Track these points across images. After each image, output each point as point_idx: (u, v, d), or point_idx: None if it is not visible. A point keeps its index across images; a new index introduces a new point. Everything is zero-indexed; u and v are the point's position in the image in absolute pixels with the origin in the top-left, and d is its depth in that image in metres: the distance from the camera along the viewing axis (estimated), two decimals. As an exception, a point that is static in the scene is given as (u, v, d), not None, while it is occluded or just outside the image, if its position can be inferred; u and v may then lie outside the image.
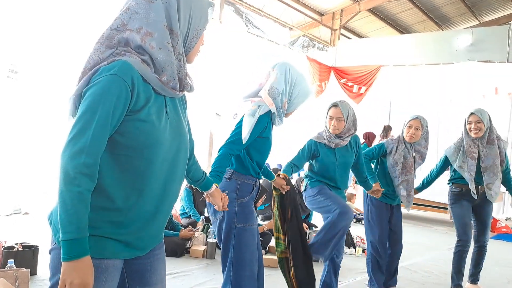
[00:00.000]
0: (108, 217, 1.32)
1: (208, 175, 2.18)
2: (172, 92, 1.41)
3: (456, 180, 4.03)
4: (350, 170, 3.52)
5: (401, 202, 3.92)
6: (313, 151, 3.34)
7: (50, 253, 1.39)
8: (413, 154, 3.81)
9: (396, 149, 3.77)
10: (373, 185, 3.65)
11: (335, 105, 3.27)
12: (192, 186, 5.71)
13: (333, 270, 3.33)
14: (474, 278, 4.12)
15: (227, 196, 2.05)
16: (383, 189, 3.71)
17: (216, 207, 2.03)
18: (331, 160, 3.31)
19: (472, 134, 3.86)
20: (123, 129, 1.31)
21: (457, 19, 14.06)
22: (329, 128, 3.28)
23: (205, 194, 2.00)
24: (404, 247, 4.02)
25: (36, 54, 6.57)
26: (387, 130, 8.84)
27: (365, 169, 3.57)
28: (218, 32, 9.12)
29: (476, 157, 3.87)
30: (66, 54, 6.68)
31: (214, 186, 1.95)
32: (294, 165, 3.28)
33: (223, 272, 2.47)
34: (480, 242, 4.03)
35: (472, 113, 3.85)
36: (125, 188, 1.34)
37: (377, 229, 3.80)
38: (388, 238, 3.87)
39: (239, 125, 2.44)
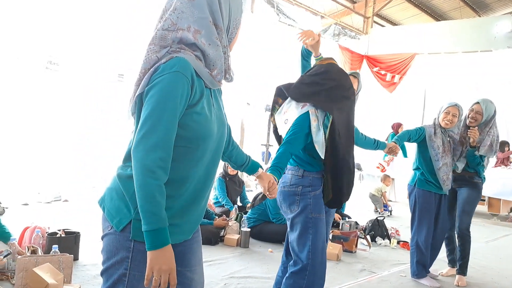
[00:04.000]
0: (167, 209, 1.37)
1: (269, 169, 2.35)
2: (218, 84, 1.47)
3: None
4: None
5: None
6: None
7: (103, 239, 1.44)
8: (448, 139, 3.83)
9: (435, 133, 3.80)
10: (388, 143, 3.60)
11: (354, 75, 3.06)
12: (225, 176, 5.77)
13: None
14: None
15: (276, 185, 2.08)
16: (399, 148, 3.68)
17: (264, 190, 2.07)
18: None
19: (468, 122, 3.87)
20: (183, 122, 1.36)
21: (496, 5, 13.55)
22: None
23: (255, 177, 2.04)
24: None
25: (74, 45, 6.73)
26: None
27: (367, 136, 3.47)
28: (250, 22, 9.11)
29: None
30: (104, 46, 6.82)
31: (260, 170, 1.98)
32: None
33: (293, 259, 2.55)
34: None
35: None
36: (178, 176, 1.39)
37: (424, 224, 3.82)
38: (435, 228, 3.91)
39: (295, 125, 2.50)
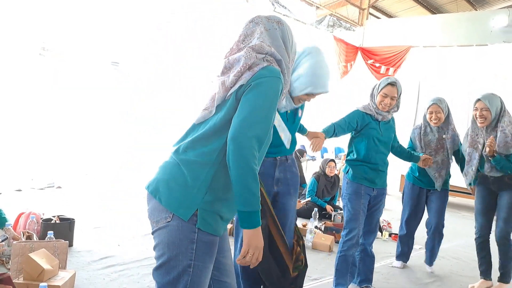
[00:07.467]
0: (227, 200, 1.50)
1: None
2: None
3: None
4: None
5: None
6: (358, 122, 3.21)
7: (156, 232, 1.46)
8: (443, 136, 3.79)
9: (425, 131, 3.83)
10: (421, 156, 3.67)
11: (392, 84, 3.16)
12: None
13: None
14: None
15: None
16: (432, 157, 3.72)
17: None
18: (375, 134, 3.18)
19: (478, 123, 3.51)
20: None
21: (492, -1, 13.58)
22: (381, 104, 3.17)
23: None
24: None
25: (68, 32, 6.67)
26: None
27: (401, 146, 3.57)
28: (245, 12, 9.05)
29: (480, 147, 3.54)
30: (98, 33, 6.76)
31: None
32: (336, 128, 3.15)
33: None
34: None
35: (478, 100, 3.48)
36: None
37: (406, 210, 4.01)
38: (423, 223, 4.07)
39: None
